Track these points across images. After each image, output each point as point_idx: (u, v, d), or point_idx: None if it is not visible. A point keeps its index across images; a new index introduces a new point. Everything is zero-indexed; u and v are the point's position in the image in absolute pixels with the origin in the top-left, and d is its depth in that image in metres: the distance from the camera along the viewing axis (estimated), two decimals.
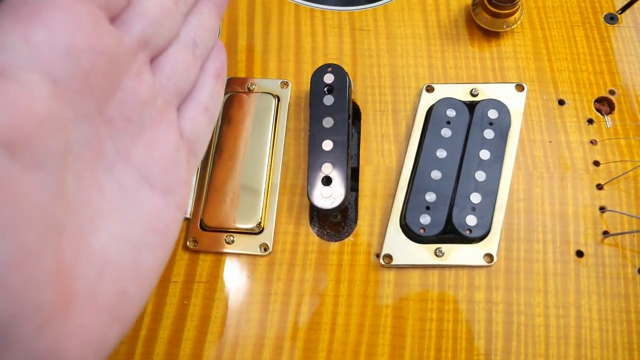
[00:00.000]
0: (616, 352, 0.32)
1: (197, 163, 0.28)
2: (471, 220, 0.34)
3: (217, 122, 0.38)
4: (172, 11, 0.25)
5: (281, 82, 0.39)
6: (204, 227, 0.35)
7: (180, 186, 0.25)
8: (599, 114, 0.37)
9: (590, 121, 0.37)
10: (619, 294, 0.33)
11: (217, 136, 0.37)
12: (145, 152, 0.24)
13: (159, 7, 0.24)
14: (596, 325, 0.32)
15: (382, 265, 0.34)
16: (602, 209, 0.35)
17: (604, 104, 0.38)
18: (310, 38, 0.41)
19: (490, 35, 0.40)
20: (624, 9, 0.40)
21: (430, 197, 0.35)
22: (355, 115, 0.39)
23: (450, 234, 0.34)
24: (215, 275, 0.35)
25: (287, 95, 0.39)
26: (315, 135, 0.35)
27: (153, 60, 0.25)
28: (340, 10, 0.42)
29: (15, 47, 0.18)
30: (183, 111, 0.27)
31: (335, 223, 0.37)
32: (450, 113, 0.37)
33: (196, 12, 0.27)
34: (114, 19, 0.22)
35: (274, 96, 0.38)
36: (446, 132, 0.36)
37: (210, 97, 0.28)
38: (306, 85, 0.39)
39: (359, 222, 0.35)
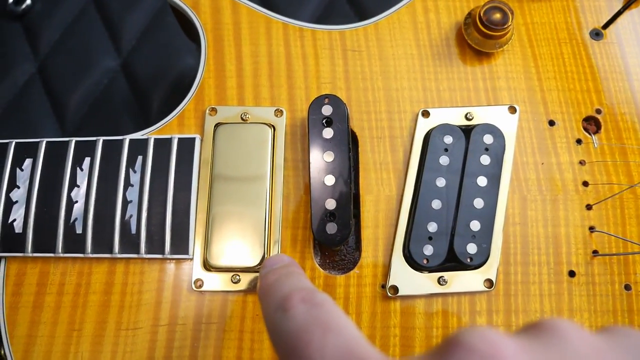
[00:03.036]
0: None
1: None
2: (472, 248, 0.35)
3: (213, 156, 0.37)
4: None
5: (275, 110, 0.38)
6: (208, 268, 0.35)
7: None
8: (586, 134, 0.39)
9: (579, 141, 0.38)
10: (607, 310, 0.35)
11: (214, 171, 0.37)
12: None
13: None
14: None
15: (387, 296, 0.35)
16: (591, 228, 0.37)
17: (591, 123, 0.39)
18: (302, 60, 0.40)
19: (482, 54, 0.40)
20: (607, 25, 0.41)
21: (432, 227, 0.35)
22: (353, 141, 0.39)
23: (452, 262, 0.35)
24: (225, 316, 0.35)
25: (282, 124, 0.38)
26: (316, 170, 0.35)
27: None
28: (330, 30, 0.41)
29: None
30: None
31: (338, 252, 0.37)
32: (447, 140, 0.37)
33: None
34: None
35: (269, 126, 0.38)
36: (444, 160, 0.37)
37: None
38: (301, 113, 0.38)
39: (362, 253, 0.36)
